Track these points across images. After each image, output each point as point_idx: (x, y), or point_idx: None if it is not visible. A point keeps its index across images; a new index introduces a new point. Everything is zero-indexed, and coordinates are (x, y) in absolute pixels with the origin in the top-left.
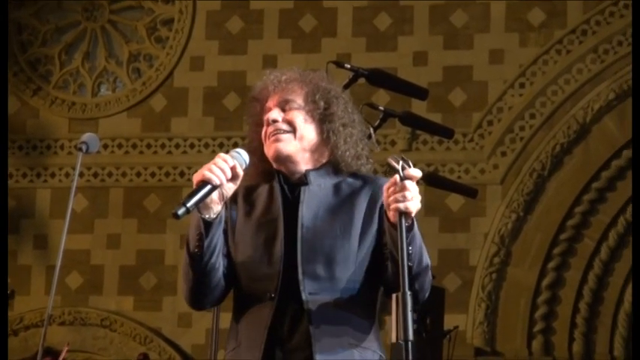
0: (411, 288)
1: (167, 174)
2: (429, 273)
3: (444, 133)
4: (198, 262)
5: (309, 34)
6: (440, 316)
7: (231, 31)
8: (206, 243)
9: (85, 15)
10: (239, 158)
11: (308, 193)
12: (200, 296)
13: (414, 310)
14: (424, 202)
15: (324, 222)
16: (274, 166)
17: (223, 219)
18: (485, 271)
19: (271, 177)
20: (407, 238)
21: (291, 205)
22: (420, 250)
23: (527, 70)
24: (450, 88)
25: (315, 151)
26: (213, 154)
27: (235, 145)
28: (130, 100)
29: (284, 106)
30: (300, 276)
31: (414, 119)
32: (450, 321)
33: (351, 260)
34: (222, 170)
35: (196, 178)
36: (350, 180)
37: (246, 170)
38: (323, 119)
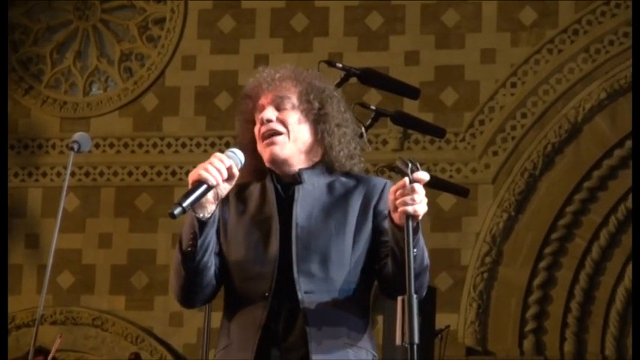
0: None
1: (159, 173)
2: (428, 272)
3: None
4: (191, 260)
5: (300, 33)
6: (431, 315)
7: (223, 30)
8: (199, 242)
9: (76, 14)
10: (235, 158)
11: (302, 192)
12: (191, 294)
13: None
14: None
15: (319, 221)
16: (267, 165)
17: (217, 218)
18: (476, 271)
19: (263, 175)
20: (413, 241)
21: (285, 203)
22: (422, 251)
23: (519, 70)
24: (441, 87)
25: (310, 151)
26: (205, 153)
27: (227, 145)
28: (122, 99)
29: (278, 104)
30: (296, 275)
31: (406, 119)
32: (441, 320)
33: (346, 259)
34: (219, 170)
35: (192, 177)
36: (343, 179)
37: (241, 170)
38: (317, 120)
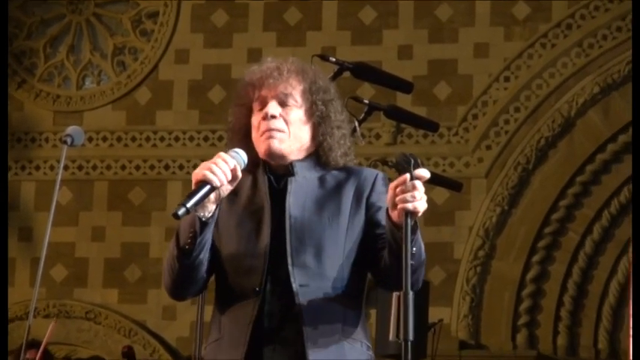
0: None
1: (152, 167)
2: (424, 266)
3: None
4: (187, 257)
5: (294, 27)
6: (424, 309)
7: (216, 24)
8: (198, 240)
9: (70, 8)
10: (238, 158)
11: (294, 184)
12: (183, 288)
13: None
14: None
15: (312, 213)
16: (261, 156)
17: (216, 218)
18: (469, 265)
19: (253, 165)
20: (411, 240)
21: (278, 195)
22: (420, 248)
23: (512, 64)
24: (434, 81)
25: (307, 149)
26: (198, 147)
27: (220, 139)
28: (115, 93)
29: (282, 100)
30: (290, 267)
31: (399, 113)
32: (434, 314)
33: (340, 251)
34: (223, 172)
35: (196, 176)
36: (335, 172)
37: (242, 170)
38: (319, 122)
